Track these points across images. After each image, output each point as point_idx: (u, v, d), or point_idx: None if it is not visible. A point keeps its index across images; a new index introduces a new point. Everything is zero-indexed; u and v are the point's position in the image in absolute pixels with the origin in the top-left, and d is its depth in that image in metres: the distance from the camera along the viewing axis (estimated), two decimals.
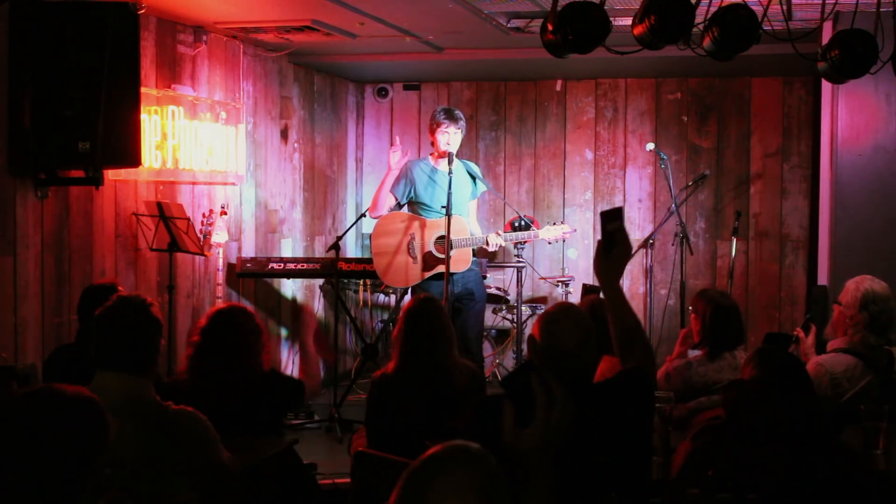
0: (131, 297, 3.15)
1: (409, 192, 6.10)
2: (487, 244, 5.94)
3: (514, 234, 6.15)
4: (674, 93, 8.15)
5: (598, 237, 3.02)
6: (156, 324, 3.09)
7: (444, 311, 4.13)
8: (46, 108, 4.64)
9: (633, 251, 7.72)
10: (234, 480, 3.17)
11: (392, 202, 6.12)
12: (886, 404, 3.53)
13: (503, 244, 6.02)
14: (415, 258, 5.99)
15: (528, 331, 8.11)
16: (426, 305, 4.02)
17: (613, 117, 8.27)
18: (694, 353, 4.23)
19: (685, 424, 3.83)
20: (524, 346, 7.55)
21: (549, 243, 6.41)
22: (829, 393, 3.95)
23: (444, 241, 5.83)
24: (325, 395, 7.25)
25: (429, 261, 5.99)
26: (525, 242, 6.58)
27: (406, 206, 6.23)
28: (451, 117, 6.02)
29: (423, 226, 6.01)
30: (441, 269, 5.88)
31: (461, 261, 5.89)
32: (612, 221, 2.88)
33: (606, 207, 8.40)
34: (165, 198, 5.80)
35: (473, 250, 6.03)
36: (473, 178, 6.16)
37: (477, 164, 6.75)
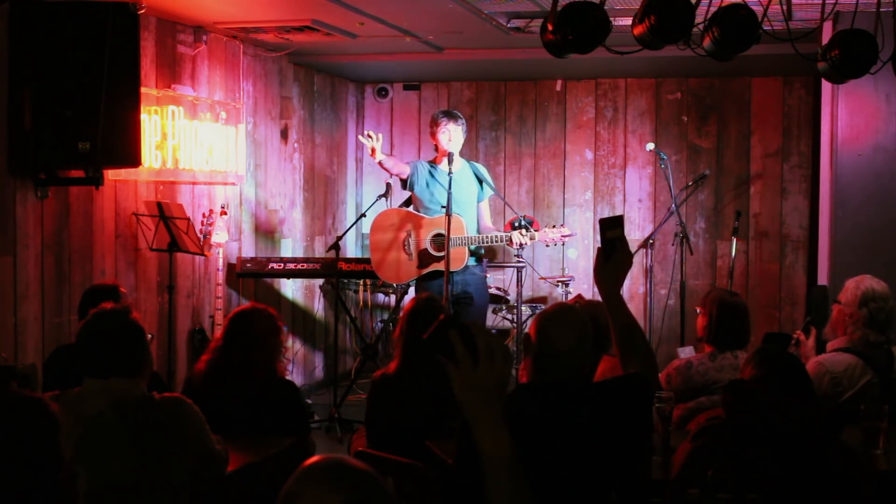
0: (108, 308, 3.21)
1: (415, 181, 6.11)
2: (511, 244, 5.94)
3: (512, 233, 6.14)
4: (674, 93, 8.15)
5: (598, 237, 3.00)
6: (135, 329, 3.14)
7: (446, 311, 4.13)
8: (46, 108, 4.64)
9: (634, 252, 7.71)
10: (223, 464, 3.22)
11: (406, 172, 6.12)
12: (886, 404, 3.53)
13: (527, 242, 5.99)
14: (410, 255, 6.02)
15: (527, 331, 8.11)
16: (428, 305, 4.02)
17: (613, 117, 8.27)
18: (685, 351, 4.23)
19: (685, 424, 3.83)
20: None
21: (547, 246, 6.38)
22: (829, 392, 3.95)
23: (441, 240, 5.85)
24: (325, 395, 7.26)
25: (424, 258, 6.01)
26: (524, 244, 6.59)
27: (407, 203, 6.26)
28: (450, 115, 6.05)
29: (420, 224, 6.03)
30: (436, 266, 5.91)
31: (455, 260, 5.88)
32: (612, 228, 2.85)
33: (606, 213, 8.42)
34: (165, 198, 5.80)
35: (474, 250, 6.03)
36: (480, 181, 6.15)
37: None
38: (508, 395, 1.87)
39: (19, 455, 2.20)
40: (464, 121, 6.12)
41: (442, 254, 5.88)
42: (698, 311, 4.25)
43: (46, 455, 2.22)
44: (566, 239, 6.17)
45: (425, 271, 6.00)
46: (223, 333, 3.93)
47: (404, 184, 6.20)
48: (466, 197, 6.03)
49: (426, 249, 6.00)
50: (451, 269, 5.86)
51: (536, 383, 2.87)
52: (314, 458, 1.68)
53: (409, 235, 6.03)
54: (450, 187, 5.75)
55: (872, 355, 4.05)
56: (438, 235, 5.94)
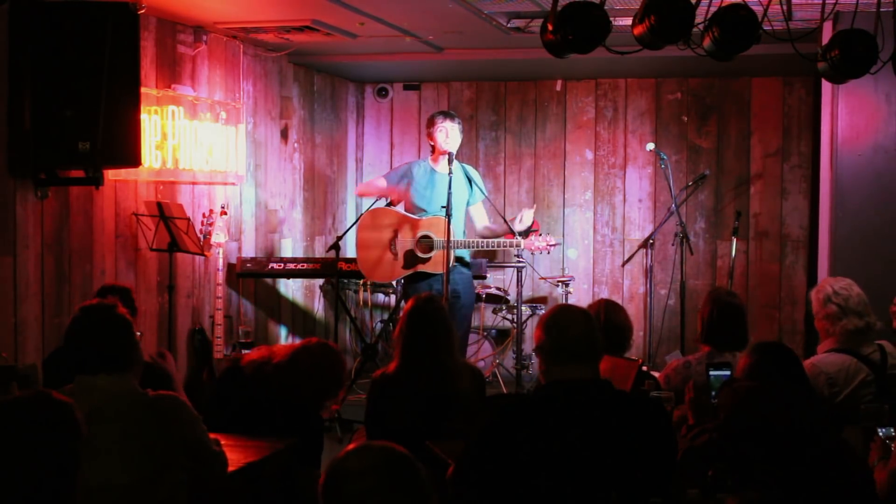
0: (94, 304, 3.22)
1: (403, 185, 6.14)
2: (521, 221, 6.02)
3: (497, 240, 6.19)
4: (674, 93, 8.15)
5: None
6: (120, 324, 3.15)
7: (446, 311, 4.14)
8: (46, 108, 4.64)
9: (634, 252, 7.74)
10: (223, 465, 3.23)
11: (382, 185, 6.26)
12: (887, 404, 3.53)
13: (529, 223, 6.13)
14: (395, 255, 6.05)
15: (528, 331, 8.12)
16: (428, 305, 4.02)
17: (613, 117, 8.27)
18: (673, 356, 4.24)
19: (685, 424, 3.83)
20: (524, 346, 7.55)
21: (533, 253, 6.40)
22: (825, 392, 3.95)
23: (427, 241, 5.96)
24: None
25: (409, 259, 6.04)
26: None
27: (401, 204, 6.27)
28: (448, 115, 6.12)
29: (409, 225, 6.05)
30: (420, 268, 6.02)
31: (440, 262, 5.89)
32: None
33: (607, 213, 8.41)
34: (165, 198, 5.80)
35: (459, 256, 6.07)
36: (471, 182, 6.17)
37: (477, 165, 6.76)
38: (530, 393, 2.04)
39: (42, 455, 2.22)
40: (460, 121, 6.14)
41: (427, 255, 5.97)
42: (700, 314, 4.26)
43: (67, 458, 2.24)
44: (552, 248, 6.22)
45: (409, 272, 6.05)
46: (290, 352, 3.88)
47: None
48: (456, 199, 6.03)
49: (412, 251, 6.03)
50: (439, 271, 5.89)
51: (555, 382, 2.89)
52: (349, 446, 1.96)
53: (395, 235, 6.06)
54: (450, 187, 5.75)
55: (861, 352, 4.04)
56: (425, 237, 5.99)
